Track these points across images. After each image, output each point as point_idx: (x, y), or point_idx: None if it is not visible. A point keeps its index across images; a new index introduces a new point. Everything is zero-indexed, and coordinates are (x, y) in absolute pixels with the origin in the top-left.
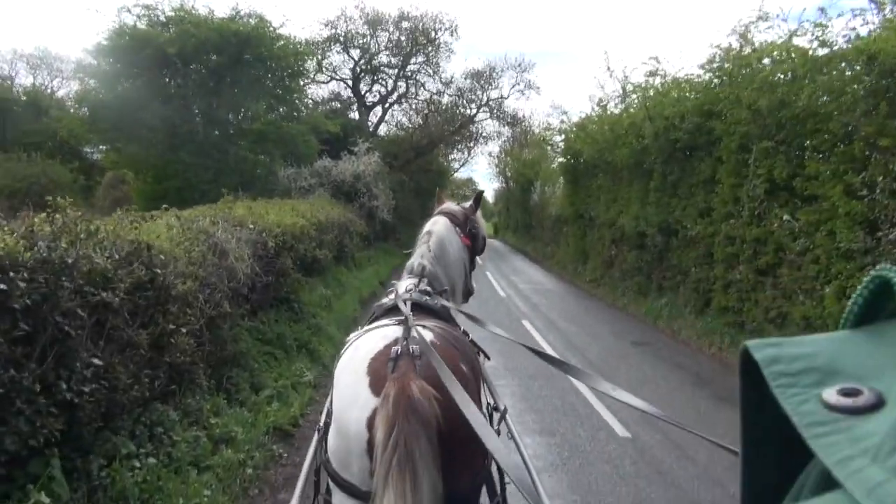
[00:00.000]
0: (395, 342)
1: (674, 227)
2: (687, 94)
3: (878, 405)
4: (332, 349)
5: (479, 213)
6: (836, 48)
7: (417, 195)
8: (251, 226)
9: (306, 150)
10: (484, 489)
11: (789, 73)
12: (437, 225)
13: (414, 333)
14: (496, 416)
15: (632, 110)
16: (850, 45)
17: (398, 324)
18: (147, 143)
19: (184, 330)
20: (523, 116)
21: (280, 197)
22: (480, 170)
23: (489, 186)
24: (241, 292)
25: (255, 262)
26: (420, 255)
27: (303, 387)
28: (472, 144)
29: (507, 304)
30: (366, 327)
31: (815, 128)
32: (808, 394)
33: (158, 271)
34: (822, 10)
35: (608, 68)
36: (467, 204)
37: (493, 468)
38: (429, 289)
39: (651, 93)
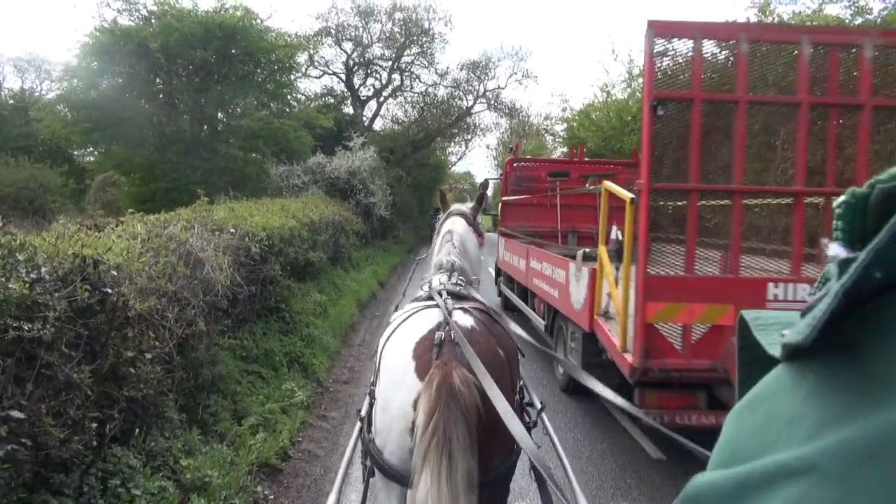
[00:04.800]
0: (439, 327)
1: None
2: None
3: None
4: (327, 362)
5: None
6: (873, 16)
7: (415, 190)
8: (232, 230)
9: (299, 146)
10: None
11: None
12: (455, 224)
13: (455, 317)
14: (532, 412)
15: (639, 94)
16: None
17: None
18: (133, 142)
19: (148, 356)
20: (521, 107)
21: (272, 196)
22: (478, 162)
23: (488, 179)
24: (219, 306)
25: (235, 270)
26: (447, 253)
27: (294, 409)
28: (469, 137)
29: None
30: (407, 308)
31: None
32: (774, 334)
33: (109, 290)
34: None
35: (613, 51)
36: (470, 204)
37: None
38: (461, 281)
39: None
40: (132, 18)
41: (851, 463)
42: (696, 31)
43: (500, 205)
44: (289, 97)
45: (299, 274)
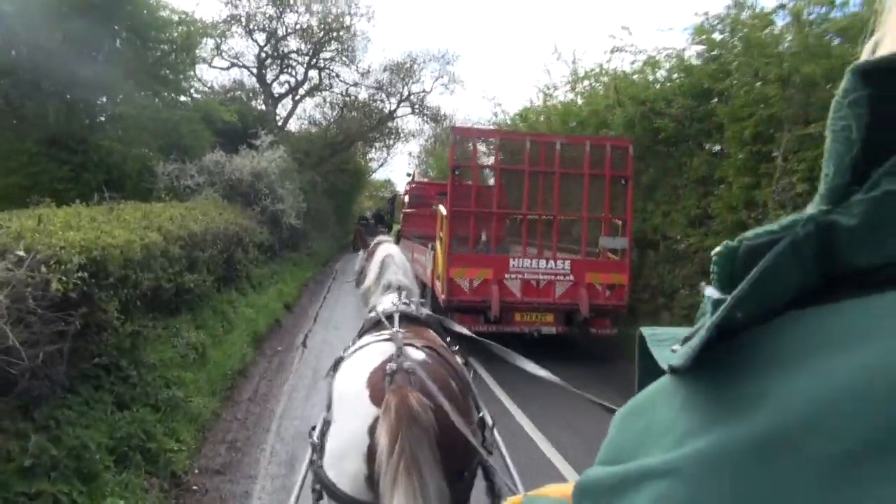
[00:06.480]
0: (391, 359)
1: (651, 238)
2: (664, 73)
3: None
4: (193, 439)
5: None
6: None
7: (332, 197)
8: (21, 253)
9: (194, 142)
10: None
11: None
12: (392, 248)
13: (406, 351)
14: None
15: (581, 98)
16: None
17: (390, 339)
18: None
19: None
20: (446, 114)
21: (160, 200)
22: (399, 170)
23: (396, 194)
24: None
25: (15, 324)
26: (394, 273)
27: None
28: (391, 142)
29: None
30: (358, 343)
31: None
32: (667, 348)
33: None
34: None
35: (556, 50)
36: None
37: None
38: (411, 301)
39: (606, 76)
40: None
41: (702, 467)
42: (477, 132)
43: (402, 215)
44: (184, 85)
45: (165, 307)
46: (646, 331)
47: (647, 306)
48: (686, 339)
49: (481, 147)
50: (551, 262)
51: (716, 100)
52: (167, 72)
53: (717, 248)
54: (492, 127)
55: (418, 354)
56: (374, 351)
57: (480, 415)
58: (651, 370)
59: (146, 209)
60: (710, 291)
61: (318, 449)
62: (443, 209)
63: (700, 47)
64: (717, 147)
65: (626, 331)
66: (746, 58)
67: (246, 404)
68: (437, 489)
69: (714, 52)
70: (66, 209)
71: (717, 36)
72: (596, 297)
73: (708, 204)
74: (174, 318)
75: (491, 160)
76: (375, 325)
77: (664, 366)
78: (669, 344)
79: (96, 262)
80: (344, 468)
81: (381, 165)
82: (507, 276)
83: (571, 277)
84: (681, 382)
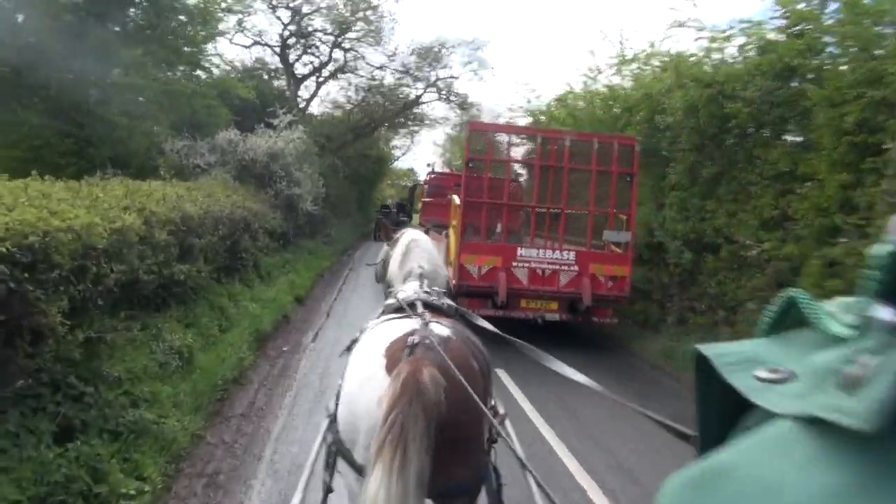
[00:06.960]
0: (413, 332)
1: (711, 241)
2: (735, 51)
3: (790, 377)
4: (160, 473)
5: None
6: None
7: (354, 183)
8: None
9: (208, 118)
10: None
11: None
12: (417, 234)
13: (431, 327)
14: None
15: (627, 82)
16: None
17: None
18: None
19: None
20: (473, 102)
21: (168, 178)
22: (424, 158)
23: (417, 183)
24: None
25: None
26: (416, 259)
27: None
28: (416, 129)
29: None
30: (382, 318)
31: None
32: (746, 373)
33: None
34: None
35: (601, 31)
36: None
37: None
38: (433, 290)
39: (659, 57)
40: None
41: None
42: (490, 128)
43: (421, 204)
44: (202, 60)
45: (147, 304)
46: (709, 351)
47: (703, 319)
48: (851, 384)
49: (499, 138)
50: (557, 252)
51: (796, 82)
52: (181, 42)
53: (875, 250)
54: (524, 114)
55: (443, 331)
56: (398, 325)
57: (492, 403)
58: (710, 397)
59: (131, 187)
60: (887, 313)
61: (335, 419)
62: (457, 199)
63: (781, 21)
64: (799, 137)
65: (642, 331)
66: (853, 27)
67: (237, 421)
68: (419, 471)
69: (799, 27)
70: (8, 183)
71: (801, 6)
72: (598, 287)
73: (788, 204)
74: (158, 317)
75: (504, 154)
76: (394, 311)
77: (759, 401)
78: (748, 368)
79: (33, 250)
80: (357, 442)
81: (405, 153)
82: (514, 264)
83: (576, 268)
84: (806, 429)
